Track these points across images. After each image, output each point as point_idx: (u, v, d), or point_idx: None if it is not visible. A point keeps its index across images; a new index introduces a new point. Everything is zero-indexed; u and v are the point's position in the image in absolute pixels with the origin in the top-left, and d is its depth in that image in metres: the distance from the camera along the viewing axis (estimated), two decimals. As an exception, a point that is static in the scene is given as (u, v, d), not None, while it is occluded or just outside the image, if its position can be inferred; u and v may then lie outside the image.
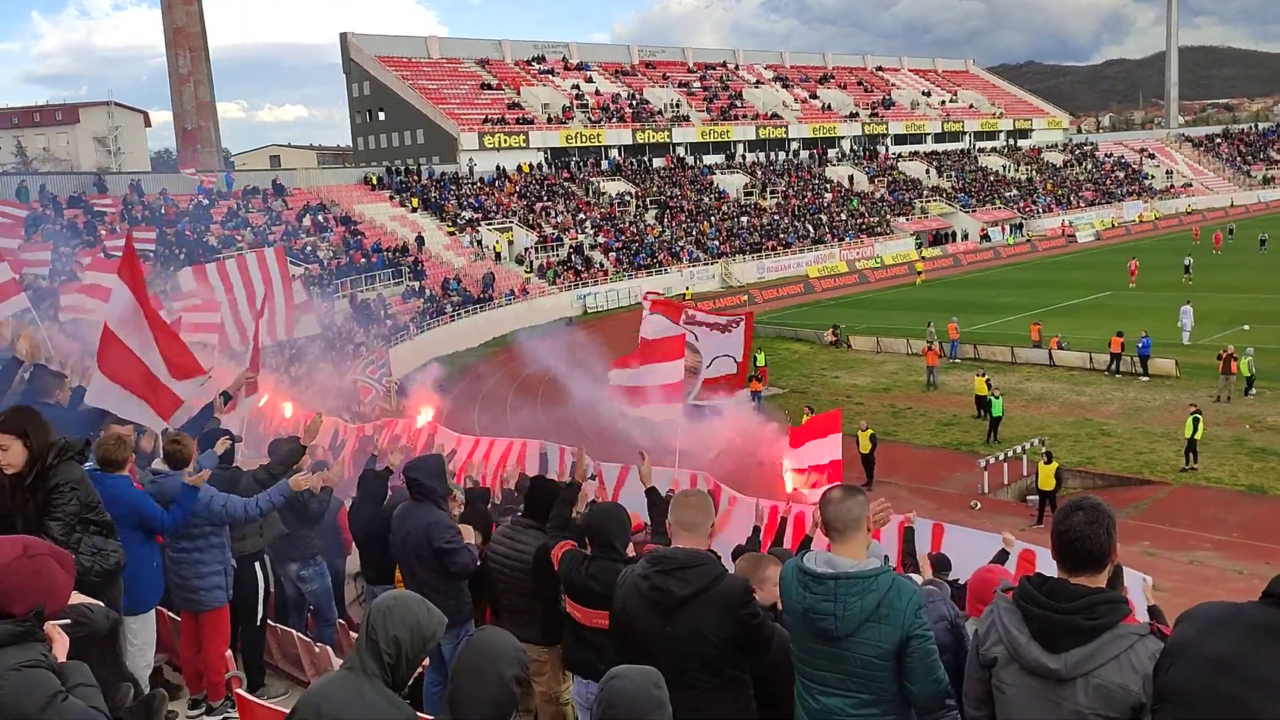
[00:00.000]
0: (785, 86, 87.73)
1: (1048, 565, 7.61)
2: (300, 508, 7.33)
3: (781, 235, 67.19)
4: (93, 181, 45.88)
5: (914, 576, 5.78)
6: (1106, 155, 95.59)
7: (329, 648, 6.56)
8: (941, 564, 7.44)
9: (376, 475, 7.55)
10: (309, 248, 45.52)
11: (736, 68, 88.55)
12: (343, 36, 72.07)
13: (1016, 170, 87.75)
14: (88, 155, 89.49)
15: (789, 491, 9.82)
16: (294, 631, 6.89)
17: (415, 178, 59.56)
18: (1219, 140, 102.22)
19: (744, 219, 68.29)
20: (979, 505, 22.92)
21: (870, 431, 24.72)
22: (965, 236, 74.36)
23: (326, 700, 3.02)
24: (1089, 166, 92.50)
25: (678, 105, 78.27)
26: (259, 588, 6.90)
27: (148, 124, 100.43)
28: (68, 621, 3.22)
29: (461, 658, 3.13)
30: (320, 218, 49.81)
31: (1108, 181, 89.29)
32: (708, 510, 4.28)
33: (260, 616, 6.91)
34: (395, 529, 6.24)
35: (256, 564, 6.91)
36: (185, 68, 57.22)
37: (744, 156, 78.24)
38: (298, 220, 48.93)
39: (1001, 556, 7.70)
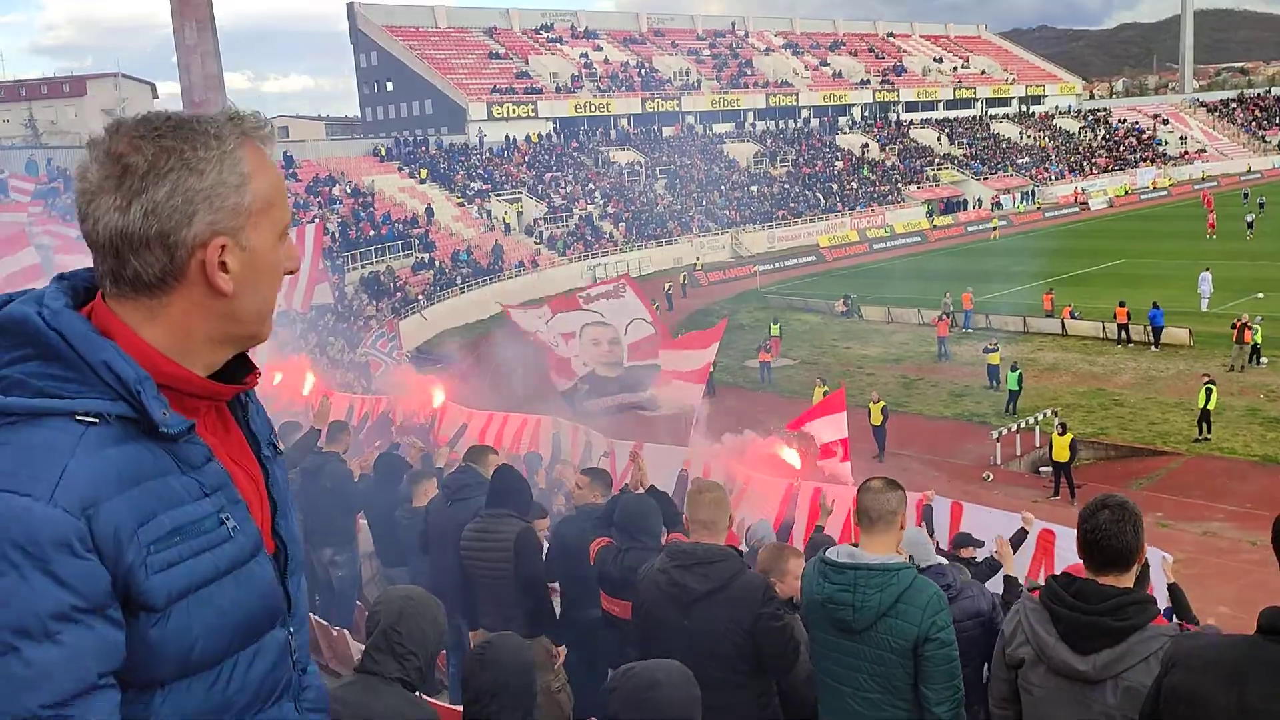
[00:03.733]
0: (795, 54, 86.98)
1: (1067, 544, 7.64)
2: (336, 498, 7.31)
3: (792, 204, 66.85)
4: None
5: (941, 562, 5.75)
6: (1120, 121, 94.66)
7: (346, 631, 6.58)
8: (964, 541, 7.40)
9: (396, 457, 7.54)
10: (317, 219, 45.37)
11: (746, 35, 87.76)
12: (350, 6, 71.51)
13: (1029, 137, 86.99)
14: (95, 127, 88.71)
15: (797, 468, 9.79)
16: (313, 615, 6.89)
17: (424, 149, 59.33)
18: (1234, 105, 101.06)
19: (754, 188, 67.93)
20: (991, 477, 22.90)
21: (882, 403, 24.65)
22: (978, 204, 73.88)
23: (344, 707, 2.93)
24: (1102, 133, 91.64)
25: (687, 73, 77.70)
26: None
27: (155, 96, 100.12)
28: None
29: (486, 672, 3.07)
30: (330, 190, 49.68)
31: (1121, 148, 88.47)
32: (724, 506, 4.25)
33: None
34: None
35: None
36: (192, 40, 56.75)
37: (754, 125, 77.70)
38: (307, 193, 48.82)
39: (1021, 535, 7.68)
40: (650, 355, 13.90)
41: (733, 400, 28.29)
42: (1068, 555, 7.69)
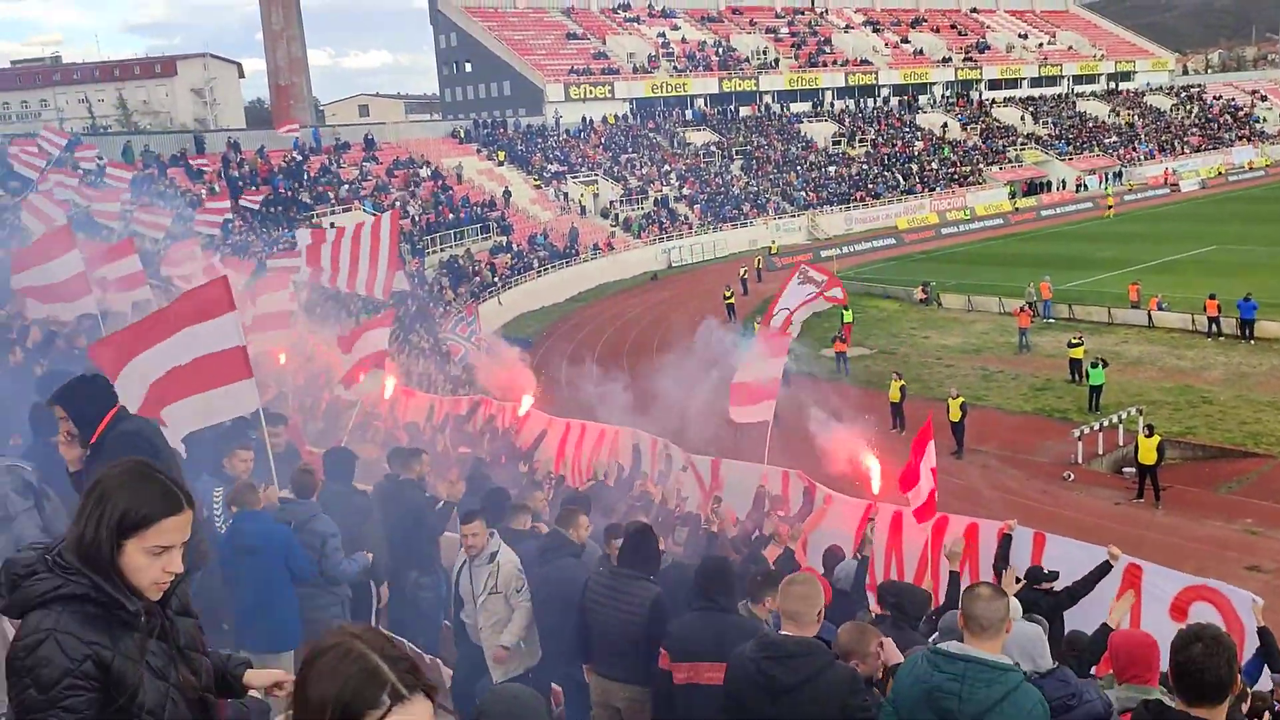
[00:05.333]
0: (875, 31, 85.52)
1: (1154, 581, 7.57)
2: (416, 525, 7.57)
3: (870, 185, 66.00)
4: (191, 140, 47.08)
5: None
6: (1215, 98, 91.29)
7: (439, 659, 6.83)
8: (1037, 576, 7.38)
9: (500, 492, 7.73)
10: (399, 203, 46.14)
11: (825, 12, 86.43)
12: (430, -13, 72.21)
13: (1117, 115, 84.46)
14: (185, 107, 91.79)
15: (875, 492, 9.80)
16: (405, 642, 7.15)
17: (502, 130, 59.78)
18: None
19: (832, 169, 67.20)
20: (1072, 476, 22.52)
21: (960, 399, 24.32)
22: (1062, 186, 72.11)
23: None
24: (1195, 110, 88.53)
25: (765, 52, 76.94)
26: (372, 602, 7.21)
27: (241, 75, 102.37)
28: None
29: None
30: (410, 172, 50.39)
31: (1215, 126, 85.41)
32: (814, 599, 4.32)
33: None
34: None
35: (370, 581, 7.21)
36: (278, 24, 58.05)
37: (832, 104, 76.74)
38: (388, 175, 49.59)
39: (1105, 569, 7.62)
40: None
41: (809, 392, 28.17)
42: (1156, 591, 7.63)
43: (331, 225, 32.14)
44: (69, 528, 2.56)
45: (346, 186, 46.22)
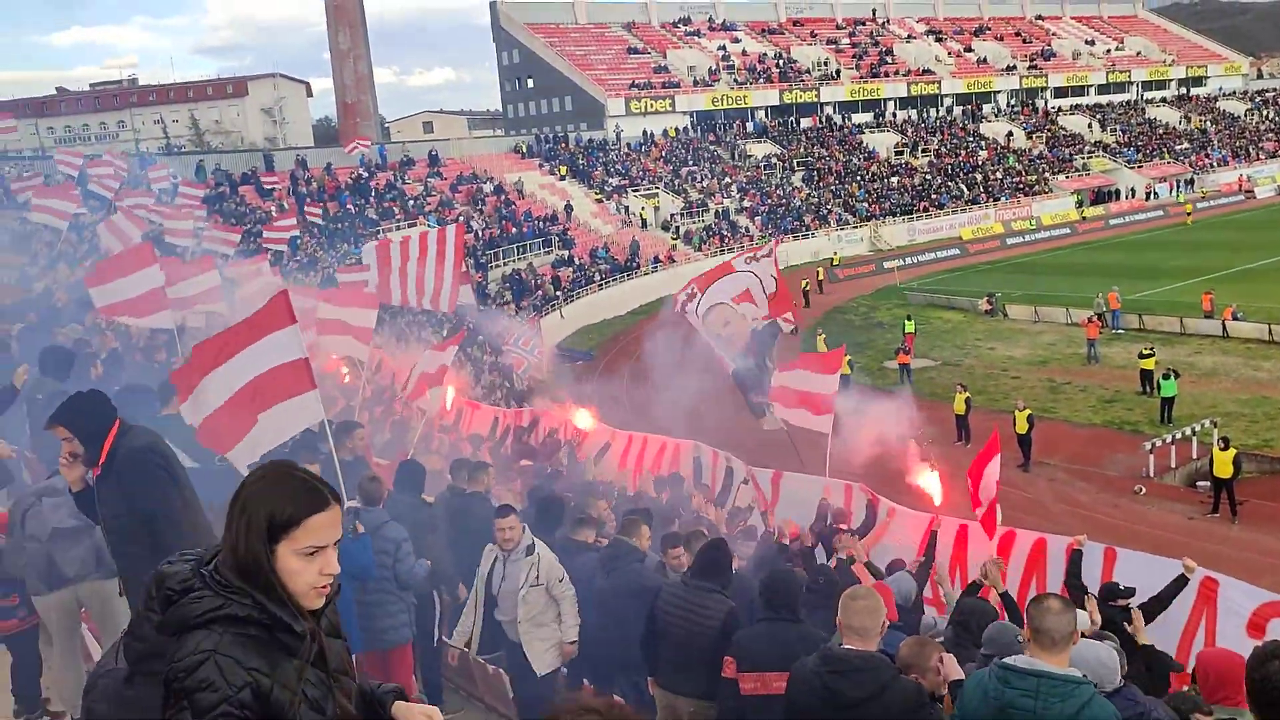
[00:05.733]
0: (938, 40, 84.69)
1: (1231, 596, 7.38)
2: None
3: (933, 196, 65.33)
4: (261, 158, 48.20)
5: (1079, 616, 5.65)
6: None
7: (501, 670, 6.90)
8: (1113, 593, 7.23)
9: (556, 502, 7.79)
10: (463, 218, 46.74)
11: (887, 22, 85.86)
12: (492, 5, 73.11)
13: (1189, 121, 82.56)
14: (255, 126, 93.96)
15: (937, 505, 9.68)
16: (469, 652, 7.23)
17: (564, 145, 60.28)
18: None
19: (894, 179, 66.66)
20: (1144, 490, 22.01)
21: (1027, 411, 23.92)
22: (1131, 194, 70.65)
23: None
24: (1270, 114, 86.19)
25: (826, 63, 76.63)
26: (436, 611, 7.31)
27: (309, 94, 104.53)
28: None
29: None
30: (473, 188, 51.01)
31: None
32: (878, 613, 4.29)
33: (437, 638, 7.32)
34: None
35: (434, 590, 7.31)
36: (345, 44, 59.29)
37: (894, 114, 76.17)
38: (451, 190, 50.26)
39: (1181, 583, 7.45)
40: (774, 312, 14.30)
41: (872, 404, 27.91)
42: (1232, 607, 7.43)
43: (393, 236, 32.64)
44: (221, 541, 2.45)
45: (411, 202, 46.94)
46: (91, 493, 5.04)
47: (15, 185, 28.96)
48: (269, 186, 42.58)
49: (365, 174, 48.53)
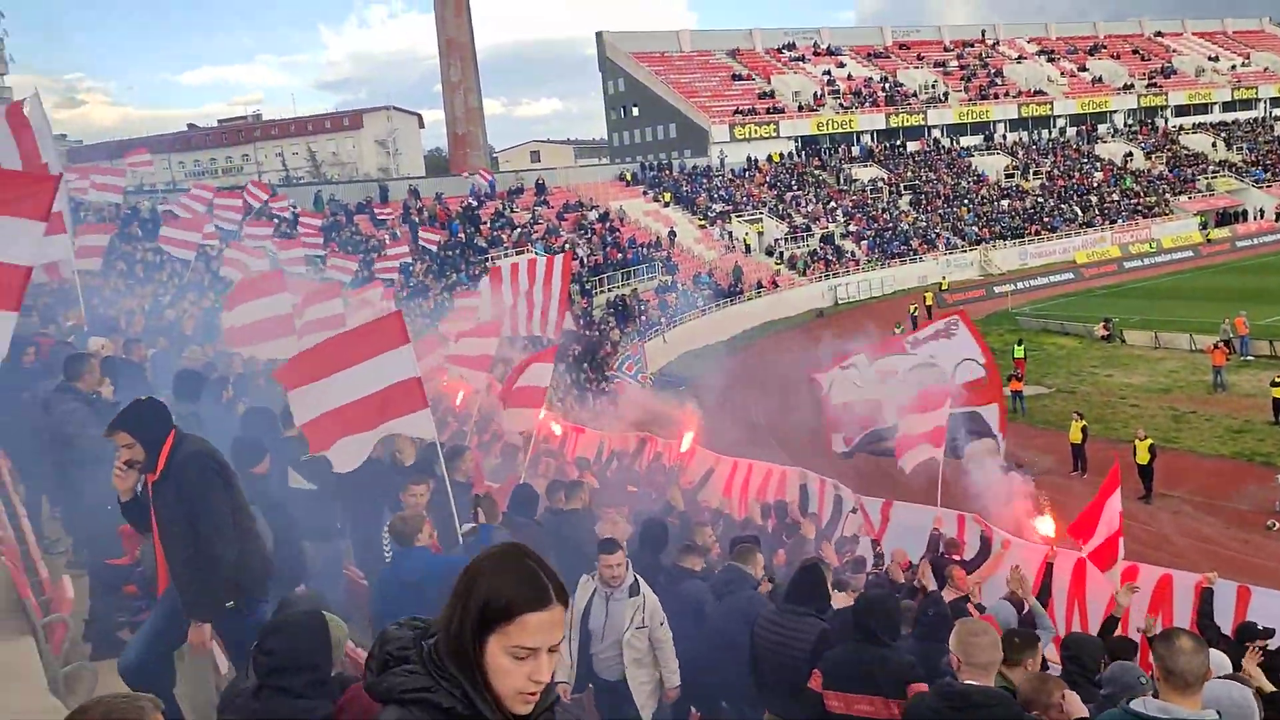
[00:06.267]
0: (1050, 60, 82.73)
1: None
2: (579, 558, 7.71)
3: (1046, 219, 63.67)
4: (376, 189, 49.74)
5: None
6: None
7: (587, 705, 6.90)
8: (1250, 633, 6.89)
9: (659, 524, 7.79)
10: (568, 245, 47.39)
11: (996, 43, 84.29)
12: (599, 35, 74.28)
13: (1322, 138, 78.75)
14: (369, 157, 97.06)
15: (1049, 537, 9.36)
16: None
17: (668, 172, 60.69)
18: None
19: (1004, 202, 65.23)
20: (1277, 526, 20.90)
21: (1149, 441, 22.98)
22: (1260, 215, 67.66)
23: None
24: None
25: (933, 86, 75.57)
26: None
27: (421, 125, 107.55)
28: None
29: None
30: (579, 215, 51.71)
31: None
32: (997, 648, 4.20)
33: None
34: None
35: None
36: (456, 76, 60.88)
37: (1004, 136, 74.60)
38: (558, 218, 51.03)
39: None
40: (982, 400, 12.89)
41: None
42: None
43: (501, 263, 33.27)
44: (441, 615, 2.25)
45: (519, 230, 47.79)
46: (139, 503, 5.22)
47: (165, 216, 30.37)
48: (382, 217, 43.84)
49: (475, 203, 49.62)
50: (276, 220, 33.69)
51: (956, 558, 9.54)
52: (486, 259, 41.75)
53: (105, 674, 5.93)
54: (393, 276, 33.03)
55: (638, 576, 6.50)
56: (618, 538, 8.35)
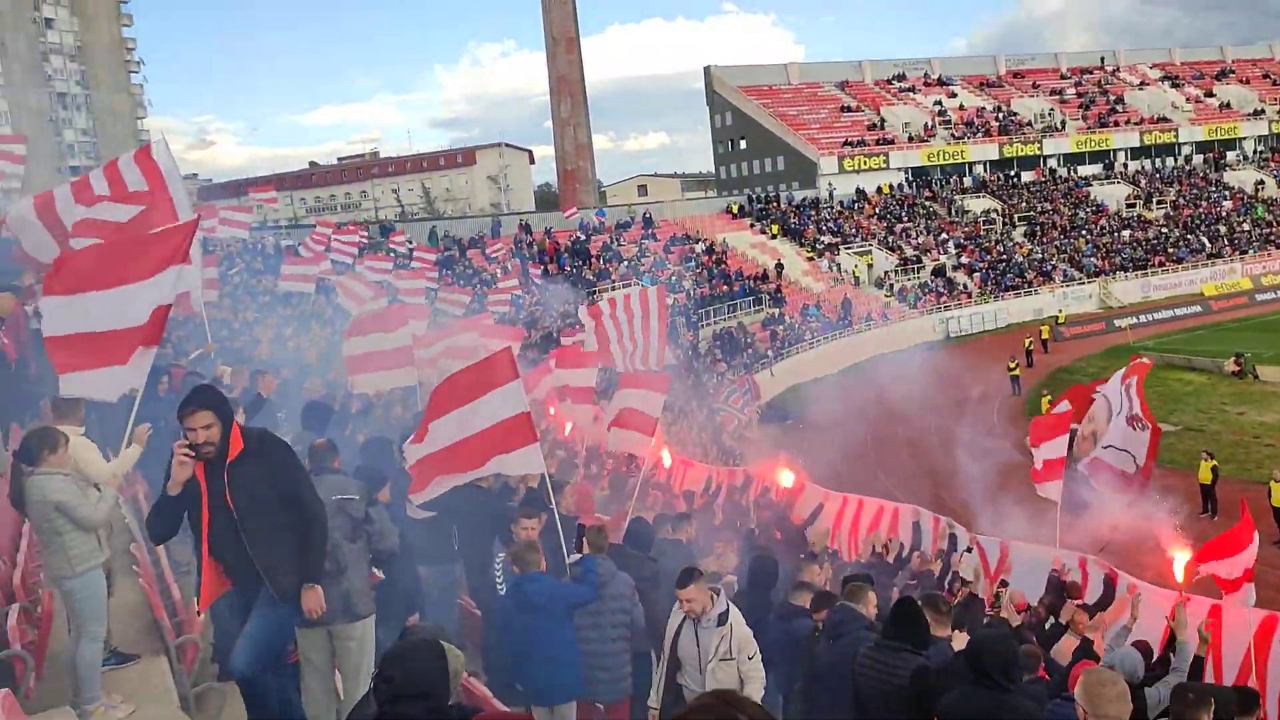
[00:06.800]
0: (1174, 86, 79.98)
1: None
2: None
3: (1170, 250, 61.38)
4: (489, 224, 50.89)
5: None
6: None
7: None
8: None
9: (768, 559, 7.74)
10: (674, 278, 47.61)
11: (1116, 69, 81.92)
12: (706, 70, 74.80)
13: None
14: (482, 193, 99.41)
15: (1179, 580, 8.94)
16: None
17: (775, 204, 60.58)
18: None
19: (1126, 233, 63.15)
20: None
21: (1287, 482, 21.85)
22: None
23: None
24: None
25: (1049, 114, 73.79)
26: (654, 671, 7.36)
27: (531, 161, 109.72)
28: None
29: None
30: (686, 248, 51.96)
31: None
32: (1126, 702, 4.04)
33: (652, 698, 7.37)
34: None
35: (652, 647, 7.39)
36: (566, 113, 62.09)
37: (1125, 165, 72.30)
38: (665, 251, 51.35)
39: None
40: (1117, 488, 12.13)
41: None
42: None
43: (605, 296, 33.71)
44: None
45: (626, 263, 48.24)
46: (187, 497, 5.24)
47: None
48: (493, 252, 44.77)
49: (583, 236, 50.31)
50: (393, 254, 34.74)
51: (1078, 601, 9.19)
52: (594, 292, 42.22)
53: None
54: (504, 310, 33.69)
55: (731, 606, 6.38)
56: (725, 571, 8.31)
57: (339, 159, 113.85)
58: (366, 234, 35.75)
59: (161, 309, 6.67)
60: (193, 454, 5.13)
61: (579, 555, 7.28)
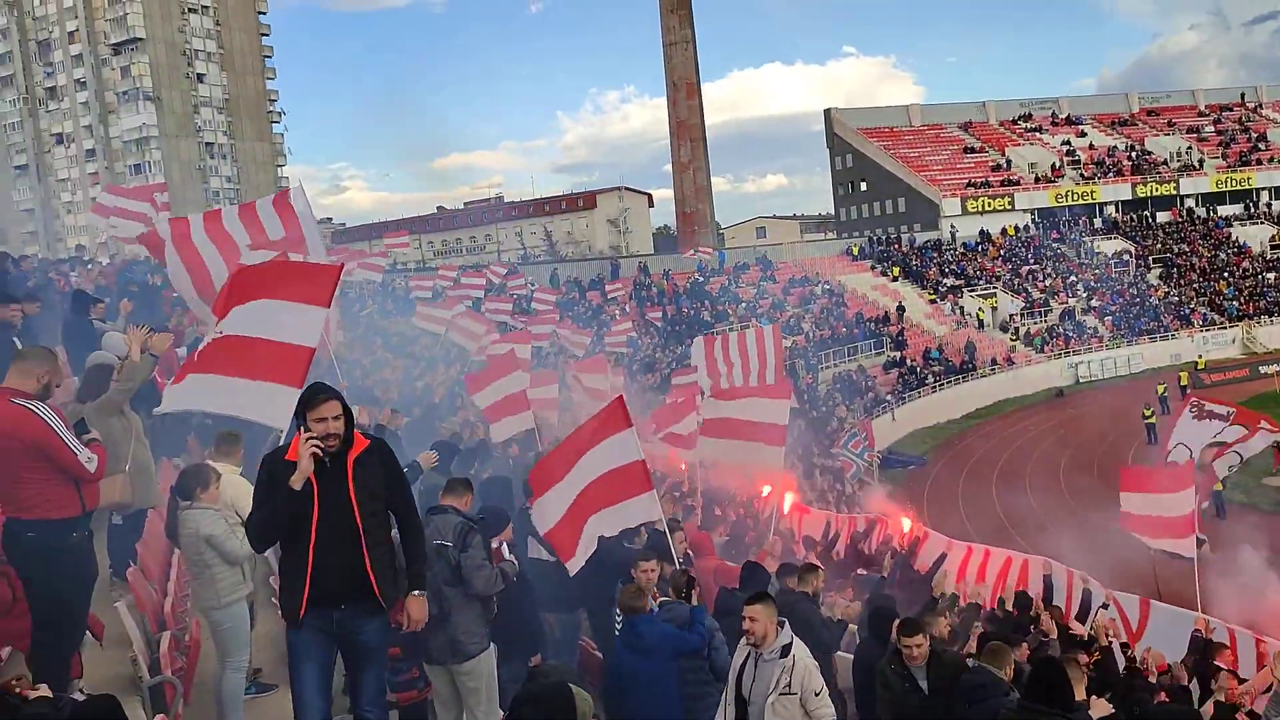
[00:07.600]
0: (1322, 122, 76.26)
1: None
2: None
3: (1321, 293, 58.20)
4: (608, 266, 51.59)
5: None
6: None
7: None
8: None
9: (887, 611, 7.60)
10: (793, 320, 47.32)
11: (1258, 106, 78.45)
12: (827, 113, 74.68)
13: None
14: (601, 235, 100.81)
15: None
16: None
17: (896, 246, 59.79)
18: None
19: (1271, 275, 60.16)
20: None
21: None
22: None
23: None
24: None
25: (1186, 152, 71.10)
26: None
27: (650, 204, 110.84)
28: None
29: None
30: (805, 290, 51.66)
31: None
32: None
33: None
34: None
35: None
36: (686, 156, 62.64)
37: (1270, 205, 69.03)
38: (783, 293, 51.14)
39: None
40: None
41: (1249, 525, 24.95)
42: None
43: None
44: None
45: (744, 305, 48.20)
46: (300, 497, 4.89)
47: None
48: (612, 294, 45.29)
49: (702, 278, 50.51)
50: (515, 297, 35.52)
51: (1222, 665, 8.72)
52: (713, 333, 42.30)
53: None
54: (622, 350, 34.00)
55: (795, 640, 6.06)
56: (847, 619, 8.18)
57: (465, 203, 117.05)
58: (500, 273, 36.74)
59: (303, 350, 6.73)
60: (321, 446, 4.89)
61: (670, 599, 7.27)
